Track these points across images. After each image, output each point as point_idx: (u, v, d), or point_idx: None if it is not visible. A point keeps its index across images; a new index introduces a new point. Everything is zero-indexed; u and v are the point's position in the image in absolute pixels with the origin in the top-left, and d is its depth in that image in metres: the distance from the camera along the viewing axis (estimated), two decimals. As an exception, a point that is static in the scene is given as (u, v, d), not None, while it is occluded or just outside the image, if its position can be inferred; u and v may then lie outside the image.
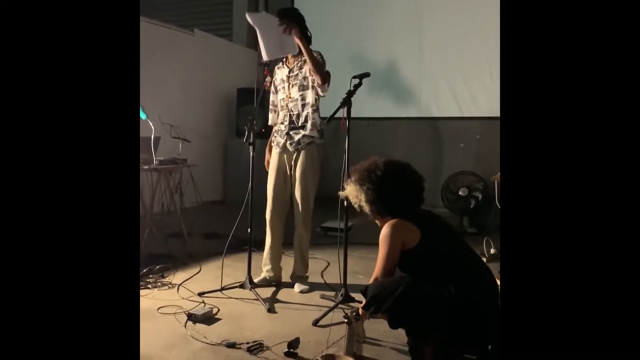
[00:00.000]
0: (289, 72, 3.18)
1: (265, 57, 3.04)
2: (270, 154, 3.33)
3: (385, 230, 2.11)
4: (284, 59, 3.23)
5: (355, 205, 2.27)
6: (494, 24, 5.91)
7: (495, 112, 6.26)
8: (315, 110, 3.17)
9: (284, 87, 3.21)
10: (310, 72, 3.10)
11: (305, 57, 3.00)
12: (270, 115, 3.35)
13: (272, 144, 3.29)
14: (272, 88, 3.30)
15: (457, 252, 2.13)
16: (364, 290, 2.12)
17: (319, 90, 3.09)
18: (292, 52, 3.04)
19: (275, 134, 3.27)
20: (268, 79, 3.24)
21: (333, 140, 5.86)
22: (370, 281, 2.14)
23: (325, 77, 3.03)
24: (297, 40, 2.96)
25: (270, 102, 3.34)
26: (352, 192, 2.25)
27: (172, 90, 5.86)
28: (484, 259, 3.99)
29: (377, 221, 2.27)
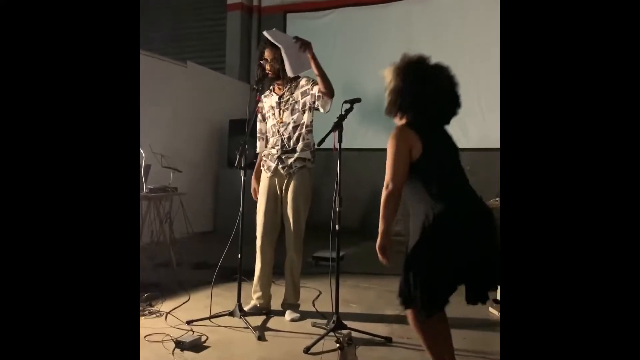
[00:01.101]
0: (279, 99, 3.20)
1: (290, 74, 3.09)
2: (257, 182, 3.30)
3: (391, 135, 2.07)
4: (272, 87, 3.25)
5: (385, 87, 2.20)
6: (484, 56, 6.06)
7: (485, 143, 6.34)
8: (310, 131, 3.18)
9: (273, 114, 3.22)
10: (301, 96, 3.14)
11: (316, 72, 3.02)
12: (259, 143, 3.34)
13: (262, 168, 3.28)
14: (260, 116, 3.30)
15: (452, 175, 2.11)
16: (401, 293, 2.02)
17: (321, 108, 3.09)
18: (307, 69, 3.08)
19: (265, 159, 3.27)
20: (260, 104, 3.26)
21: (324, 170, 5.87)
22: (383, 190, 2.06)
23: (332, 90, 3.06)
24: (310, 58, 3.00)
25: (258, 131, 3.33)
26: (388, 74, 2.18)
27: (164, 120, 5.88)
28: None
29: (394, 119, 2.21)
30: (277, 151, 3.17)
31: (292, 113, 3.16)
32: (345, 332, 2.53)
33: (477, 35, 6.33)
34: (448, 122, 2.21)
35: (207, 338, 2.70)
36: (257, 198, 3.28)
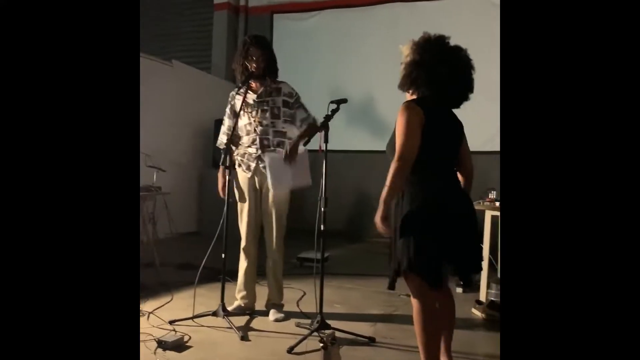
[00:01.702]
0: (257, 97, 3.16)
1: (307, 184, 3.14)
2: (224, 179, 3.19)
3: (401, 109, 2.09)
4: (248, 84, 3.15)
5: (401, 61, 2.22)
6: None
7: (470, 146, 6.39)
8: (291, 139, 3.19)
9: (250, 112, 3.15)
10: (283, 105, 3.15)
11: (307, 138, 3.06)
12: (225, 139, 3.22)
13: (239, 169, 3.20)
14: (229, 112, 3.25)
15: (441, 163, 2.17)
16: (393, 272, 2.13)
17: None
18: (307, 180, 3.13)
19: (241, 159, 3.19)
20: (233, 100, 3.23)
21: (310, 171, 5.88)
22: (394, 162, 2.05)
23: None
24: (299, 150, 3.07)
25: (227, 127, 3.25)
26: (406, 50, 2.19)
27: (149, 119, 5.80)
28: (460, 290, 3.98)
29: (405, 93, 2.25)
30: (257, 150, 3.13)
31: (272, 117, 3.12)
32: (329, 332, 2.53)
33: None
34: (458, 106, 2.23)
35: (190, 338, 2.68)
36: (224, 195, 3.18)
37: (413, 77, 2.14)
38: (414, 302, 2.10)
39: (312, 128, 3.11)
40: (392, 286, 2.15)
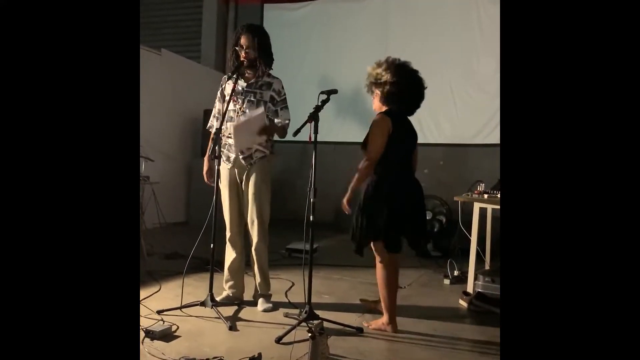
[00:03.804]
0: (247, 86, 3.13)
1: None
2: (208, 164, 3.20)
3: (377, 119, 2.78)
4: (243, 73, 3.13)
5: (370, 83, 2.87)
6: (458, 53, 6.12)
7: (458, 139, 6.43)
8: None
9: (236, 100, 3.12)
10: (270, 100, 3.12)
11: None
12: (216, 123, 3.20)
13: (222, 159, 3.16)
14: (220, 96, 3.22)
15: (400, 160, 2.82)
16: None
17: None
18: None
19: (222, 149, 3.15)
20: (224, 84, 3.21)
21: (299, 163, 5.87)
22: (364, 160, 2.76)
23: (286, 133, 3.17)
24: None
25: (217, 110, 3.24)
26: (374, 72, 2.83)
27: (137, 109, 5.77)
28: (448, 281, 4.03)
29: (375, 106, 2.92)
30: None
31: (257, 110, 3.08)
32: (317, 322, 2.54)
33: (451, 34, 6.38)
34: (413, 113, 2.93)
35: (178, 328, 2.67)
36: (208, 181, 3.20)
37: (395, 97, 2.78)
38: (377, 262, 2.80)
39: (283, 129, 3.16)
40: (359, 252, 2.83)
